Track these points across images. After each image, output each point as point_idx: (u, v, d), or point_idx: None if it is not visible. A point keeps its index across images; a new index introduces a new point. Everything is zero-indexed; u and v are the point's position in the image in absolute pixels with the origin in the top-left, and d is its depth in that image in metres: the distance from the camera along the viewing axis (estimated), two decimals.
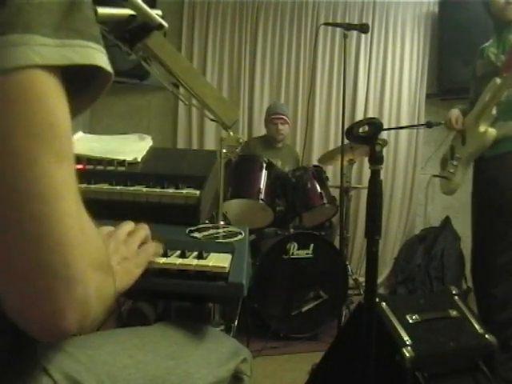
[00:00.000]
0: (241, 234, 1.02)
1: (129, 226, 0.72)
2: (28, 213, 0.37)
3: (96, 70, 0.41)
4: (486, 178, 2.03)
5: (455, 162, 2.14)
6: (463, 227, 3.79)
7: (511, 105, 1.92)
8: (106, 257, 0.46)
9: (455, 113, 2.15)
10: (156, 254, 0.72)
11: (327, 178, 2.96)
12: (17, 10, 0.36)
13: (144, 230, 0.73)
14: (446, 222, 3.74)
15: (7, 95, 0.36)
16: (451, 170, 2.17)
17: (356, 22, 3.63)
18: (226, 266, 0.76)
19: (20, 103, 0.36)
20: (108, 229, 0.70)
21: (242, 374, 0.77)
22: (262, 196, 2.61)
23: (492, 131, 1.95)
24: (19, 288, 0.38)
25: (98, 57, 0.41)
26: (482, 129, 1.96)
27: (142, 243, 0.71)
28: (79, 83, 0.42)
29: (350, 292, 2.80)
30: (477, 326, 1.51)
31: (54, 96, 0.38)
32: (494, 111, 1.94)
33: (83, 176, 1.06)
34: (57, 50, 0.37)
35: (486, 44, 2.09)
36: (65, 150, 0.40)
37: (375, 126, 1.15)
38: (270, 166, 2.77)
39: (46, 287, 0.38)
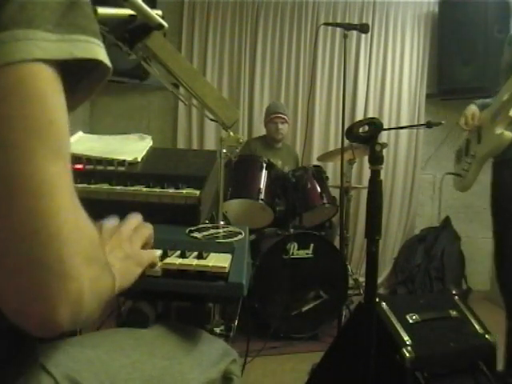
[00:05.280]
0: (241, 233, 1.02)
1: (135, 220, 0.72)
2: (22, 207, 0.37)
3: (94, 64, 0.41)
4: (496, 180, 1.97)
5: (469, 160, 2.03)
6: (463, 227, 3.80)
7: None
8: (102, 252, 0.46)
9: (471, 109, 1.99)
10: (155, 260, 0.72)
11: (327, 178, 2.96)
12: (20, 6, 0.37)
13: (149, 229, 0.73)
14: (446, 222, 3.74)
15: (7, 88, 0.36)
16: (465, 168, 2.06)
17: (356, 22, 3.62)
18: (226, 265, 0.76)
19: (21, 97, 0.37)
20: (112, 223, 0.69)
21: (232, 375, 0.78)
22: (261, 196, 2.61)
23: (508, 135, 1.84)
24: (13, 284, 0.38)
25: (98, 51, 0.41)
26: (498, 130, 1.85)
27: (145, 243, 0.71)
28: (76, 77, 0.43)
29: (350, 292, 2.80)
30: (477, 326, 1.51)
31: (54, 93, 0.39)
32: None
33: (83, 176, 1.06)
34: (58, 44, 0.38)
35: None
36: (62, 147, 0.40)
37: (375, 125, 1.15)
38: (270, 166, 2.77)
39: (39, 283, 0.38)
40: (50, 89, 0.39)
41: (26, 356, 0.49)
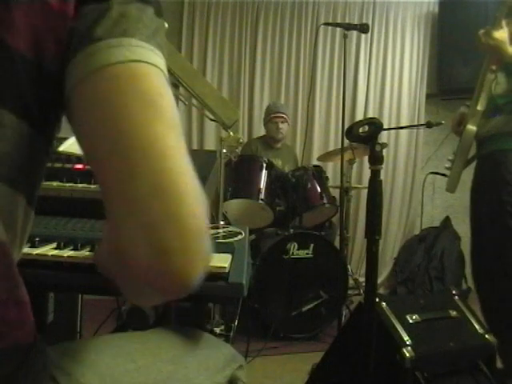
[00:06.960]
0: (241, 234, 1.02)
1: None
2: (152, 168, 0.40)
3: None
4: (474, 179, 1.99)
5: (451, 157, 2.05)
6: (463, 227, 3.79)
7: (494, 100, 1.80)
8: None
9: (459, 112, 2.01)
10: None
11: (327, 178, 2.96)
12: (114, 21, 0.45)
13: None
14: (446, 221, 3.73)
15: (116, 79, 0.42)
16: (448, 166, 2.07)
17: (356, 22, 3.62)
18: (226, 265, 0.76)
19: (134, 80, 0.43)
20: None
21: (238, 381, 0.77)
22: (262, 196, 2.61)
23: (469, 129, 1.85)
24: (149, 239, 0.39)
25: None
26: (467, 126, 1.87)
27: None
28: None
29: (349, 292, 2.80)
30: (477, 326, 1.51)
31: (159, 76, 0.45)
32: (480, 107, 1.83)
33: (84, 176, 1.06)
34: (149, 52, 0.45)
35: None
36: (174, 118, 0.44)
37: (375, 125, 1.15)
38: (270, 166, 2.77)
39: (177, 238, 0.39)
40: (156, 75, 0.44)
41: (33, 363, 0.48)
